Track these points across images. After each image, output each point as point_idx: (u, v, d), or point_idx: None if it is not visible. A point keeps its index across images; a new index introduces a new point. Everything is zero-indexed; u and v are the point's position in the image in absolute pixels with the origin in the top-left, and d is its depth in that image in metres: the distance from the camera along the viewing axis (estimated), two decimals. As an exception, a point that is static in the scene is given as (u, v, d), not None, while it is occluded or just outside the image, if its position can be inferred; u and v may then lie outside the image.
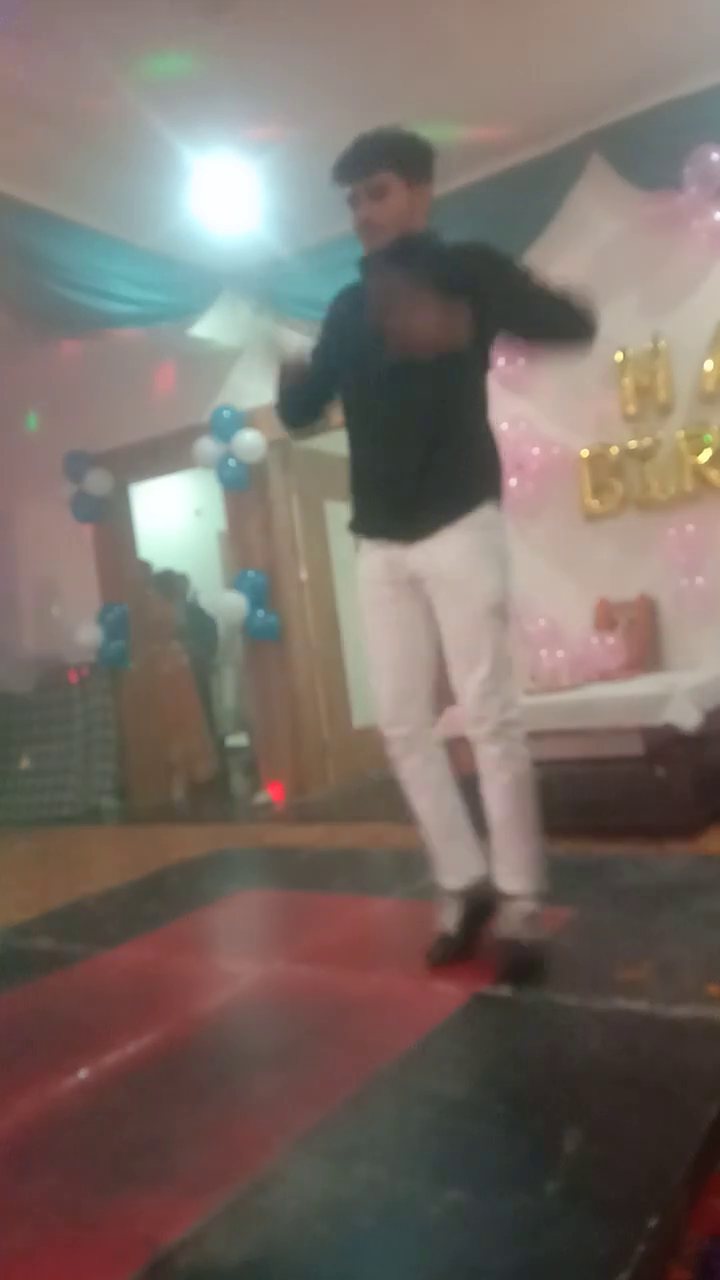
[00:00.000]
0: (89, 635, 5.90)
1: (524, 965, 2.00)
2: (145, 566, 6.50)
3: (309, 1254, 1.29)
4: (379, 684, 2.21)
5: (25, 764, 6.07)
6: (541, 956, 2.04)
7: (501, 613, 2.10)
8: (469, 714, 2.13)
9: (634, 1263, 1.15)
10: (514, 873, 2.13)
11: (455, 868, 2.23)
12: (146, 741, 6.10)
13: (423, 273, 1.98)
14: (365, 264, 2.17)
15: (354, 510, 2.25)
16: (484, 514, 2.10)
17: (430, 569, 2.09)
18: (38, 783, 5.99)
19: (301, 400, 2.32)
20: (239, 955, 2.06)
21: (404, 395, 2.06)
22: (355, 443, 2.21)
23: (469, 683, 2.10)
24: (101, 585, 6.12)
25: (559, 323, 2.09)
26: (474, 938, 2.17)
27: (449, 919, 2.20)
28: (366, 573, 2.20)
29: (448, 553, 2.06)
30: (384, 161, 2.01)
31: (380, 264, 2.10)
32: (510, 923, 2.08)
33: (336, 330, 2.25)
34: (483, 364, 2.14)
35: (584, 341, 2.09)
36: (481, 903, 2.19)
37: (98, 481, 5.89)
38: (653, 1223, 1.22)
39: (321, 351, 2.30)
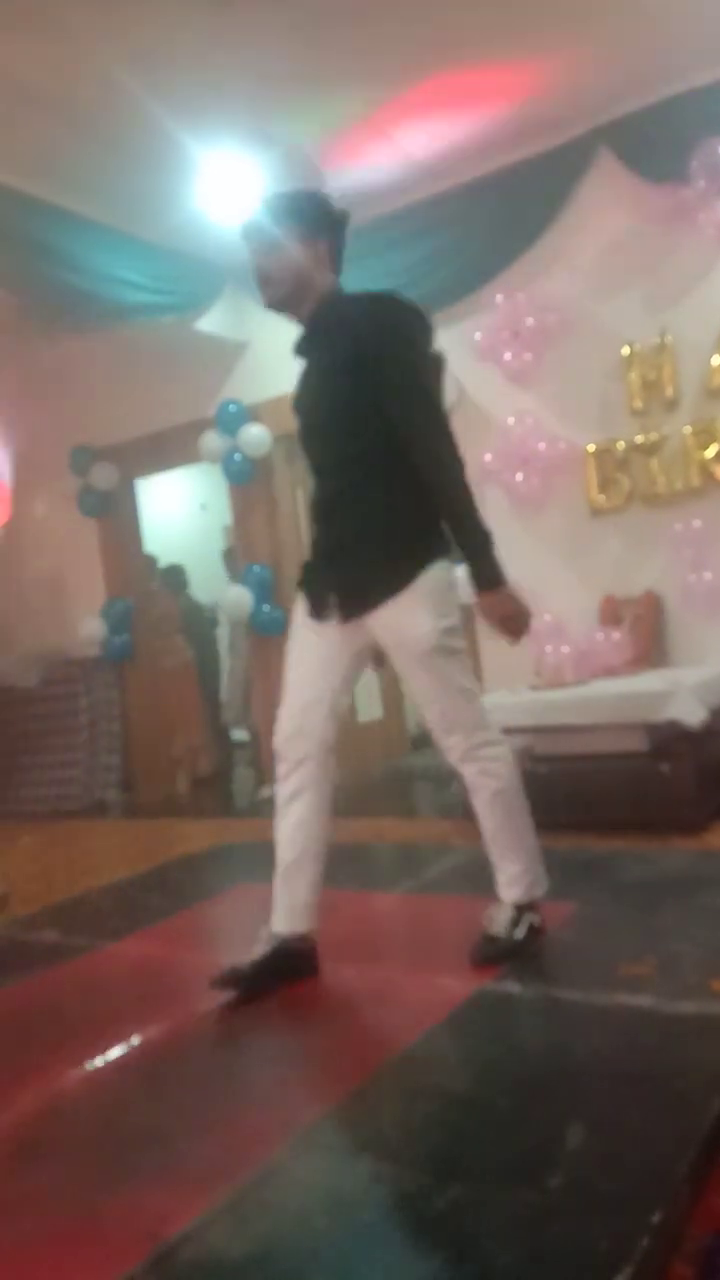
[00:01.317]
0: (93, 629, 5.91)
1: (492, 957, 2.09)
2: (151, 561, 6.51)
3: (312, 1247, 1.29)
4: (286, 702, 2.18)
5: (30, 757, 6.08)
6: (514, 954, 2.11)
7: (445, 650, 2.08)
8: (438, 747, 2.21)
9: (637, 1257, 1.15)
10: (507, 883, 2.19)
11: (284, 910, 2.14)
12: (150, 735, 6.10)
13: (333, 339, 2.08)
14: (298, 343, 2.21)
15: (302, 585, 2.24)
16: (419, 580, 2.07)
17: (369, 635, 2.14)
18: (42, 776, 6.00)
19: None
20: (242, 949, 2.06)
21: (335, 475, 2.12)
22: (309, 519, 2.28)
23: (428, 720, 2.17)
24: (107, 579, 6.12)
25: (427, 463, 2.07)
26: (268, 980, 2.07)
27: (255, 950, 2.11)
28: (301, 616, 2.21)
29: (382, 614, 2.08)
30: (278, 219, 2.08)
31: (303, 344, 2.18)
32: (495, 923, 2.16)
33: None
34: (389, 432, 2.06)
35: (451, 508, 2.07)
36: (295, 953, 2.13)
37: (103, 476, 5.89)
38: (656, 1218, 1.22)
39: None
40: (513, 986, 2.01)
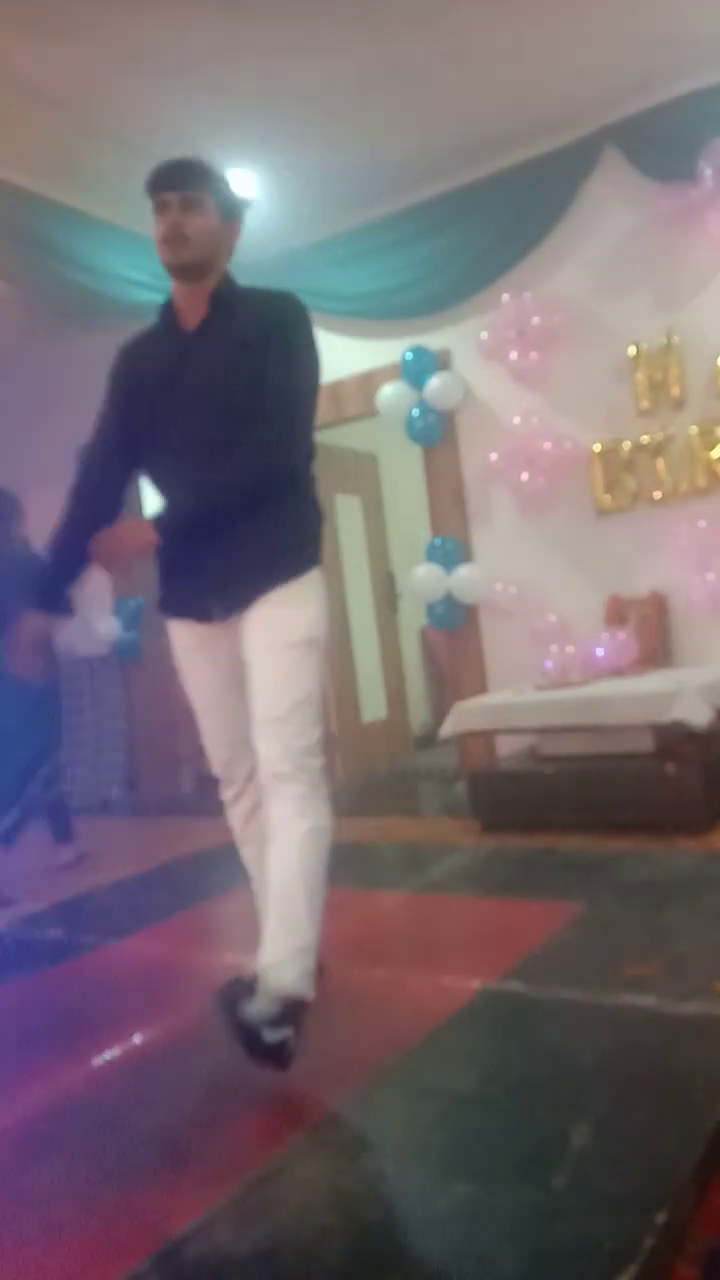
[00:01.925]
0: (109, 628, 5.91)
1: (258, 1055, 1.64)
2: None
3: (316, 1245, 1.29)
4: (211, 729, 2.08)
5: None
6: (276, 1056, 1.64)
7: (314, 646, 1.91)
8: (260, 751, 1.86)
9: (641, 1258, 1.16)
10: (277, 962, 1.70)
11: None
12: (155, 734, 6.11)
13: (239, 325, 1.93)
14: (170, 320, 2.01)
15: (162, 591, 2.07)
16: (308, 576, 1.96)
17: (241, 627, 1.95)
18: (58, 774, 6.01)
19: (92, 509, 2.06)
20: (247, 947, 2.06)
21: (222, 469, 1.89)
22: (166, 517, 1.94)
23: (267, 718, 1.85)
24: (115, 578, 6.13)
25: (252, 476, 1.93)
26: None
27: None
28: (176, 637, 2.08)
29: (264, 601, 1.92)
30: (206, 183, 1.92)
31: (202, 331, 1.96)
32: (257, 1005, 1.65)
33: (137, 391, 2.02)
34: None
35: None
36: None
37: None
38: (660, 1218, 1.22)
39: (118, 419, 2.06)
40: (517, 986, 2.01)
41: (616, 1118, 1.48)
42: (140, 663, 6.04)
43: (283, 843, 1.80)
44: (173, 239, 1.90)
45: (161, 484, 2.02)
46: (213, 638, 2.00)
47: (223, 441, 1.89)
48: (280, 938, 1.74)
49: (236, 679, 1.97)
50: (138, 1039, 1.99)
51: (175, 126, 3.75)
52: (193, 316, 1.97)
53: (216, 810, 1.98)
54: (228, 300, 1.97)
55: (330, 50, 3.54)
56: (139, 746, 6.09)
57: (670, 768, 3.46)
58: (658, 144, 4.08)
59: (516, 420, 4.48)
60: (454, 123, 4.12)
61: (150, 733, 6.10)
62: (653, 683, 3.67)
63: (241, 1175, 1.44)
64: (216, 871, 3.44)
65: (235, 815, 2.13)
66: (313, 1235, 1.31)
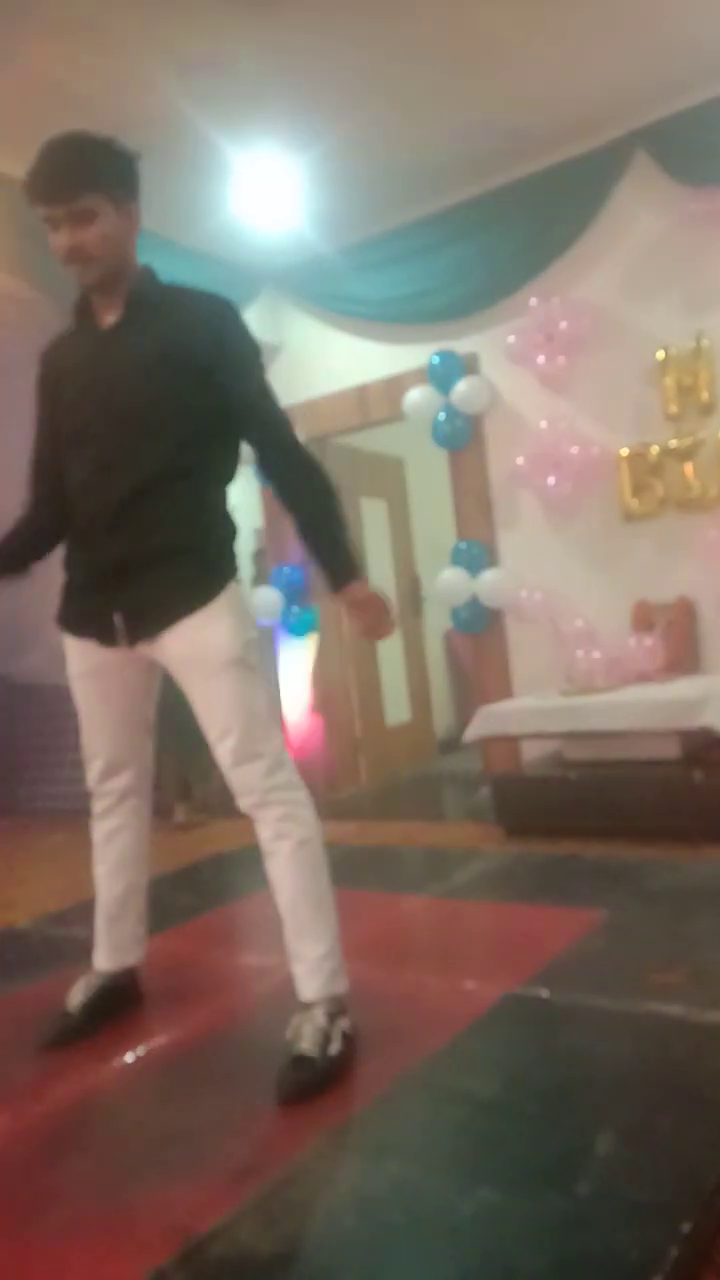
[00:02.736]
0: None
1: (307, 1089, 1.66)
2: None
3: (339, 1247, 1.29)
4: (92, 746, 2.07)
5: (62, 755, 6.14)
6: (331, 1080, 1.68)
7: (246, 665, 1.85)
8: (231, 786, 1.86)
9: (666, 1267, 1.15)
10: (308, 973, 1.80)
11: (111, 948, 2.12)
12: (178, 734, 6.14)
13: (162, 328, 1.82)
14: (85, 317, 1.90)
15: (63, 605, 2.00)
16: (225, 594, 1.88)
17: (157, 652, 1.89)
18: (74, 774, 6.04)
19: (34, 527, 2.00)
20: (271, 950, 2.07)
21: (134, 472, 1.81)
22: (75, 527, 1.91)
23: (220, 752, 1.84)
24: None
25: (313, 487, 1.90)
26: (99, 1021, 2.03)
27: (75, 997, 2.06)
28: (73, 646, 2.00)
29: (180, 629, 1.85)
30: (89, 182, 1.73)
31: (118, 331, 1.85)
32: (302, 1036, 1.73)
33: (57, 395, 1.92)
34: (214, 438, 1.89)
35: (327, 502, 1.89)
36: (120, 988, 2.11)
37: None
38: (686, 1227, 1.21)
39: (47, 426, 1.97)
40: (541, 992, 2.00)
41: (641, 1126, 1.47)
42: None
43: (275, 865, 1.85)
44: (76, 260, 1.77)
45: (75, 488, 1.89)
46: (112, 664, 1.94)
47: (134, 446, 1.80)
48: (301, 953, 1.82)
49: (127, 708, 2.01)
50: (162, 1038, 2.00)
51: (203, 132, 3.78)
52: (108, 314, 1.87)
53: (240, 813, 1.99)
54: (148, 299, 1.86)
55: (361, 56, 3.55)
56: (161, 750, 6.12)
57: (697, 775, 3.44)
58: (687, 148, 4.06)
59: (543, 424, 4.47)
60: (484, 127, 4.12)
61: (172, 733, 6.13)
62: (680, 689, 3.65)
63: (264, 1176, 1.45)
64: (241, 873, 3.45)
65: (99, 830, 2.13)
66: (335, 1238, 1.31)
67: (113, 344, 1.86)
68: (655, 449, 4.22)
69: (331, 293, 5.08)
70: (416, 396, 4.75)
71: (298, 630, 5.47)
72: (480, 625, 4.77)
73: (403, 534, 6.25)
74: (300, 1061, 1.69)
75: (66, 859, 4.42)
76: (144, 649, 1.90)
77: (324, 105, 3.83)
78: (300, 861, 1.82)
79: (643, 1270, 1.15)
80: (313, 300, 5.14)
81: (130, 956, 2.14)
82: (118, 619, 1.87)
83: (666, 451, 4.20)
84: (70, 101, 3.63)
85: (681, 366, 4.15)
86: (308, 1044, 1.71)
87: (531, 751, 4.37)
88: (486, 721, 3.96)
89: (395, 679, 6.02)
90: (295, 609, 5.43)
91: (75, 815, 5.92)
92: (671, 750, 3.56)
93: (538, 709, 3.85)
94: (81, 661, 2.00)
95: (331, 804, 5.00)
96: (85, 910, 3.14)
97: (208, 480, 1.90)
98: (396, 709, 5.98)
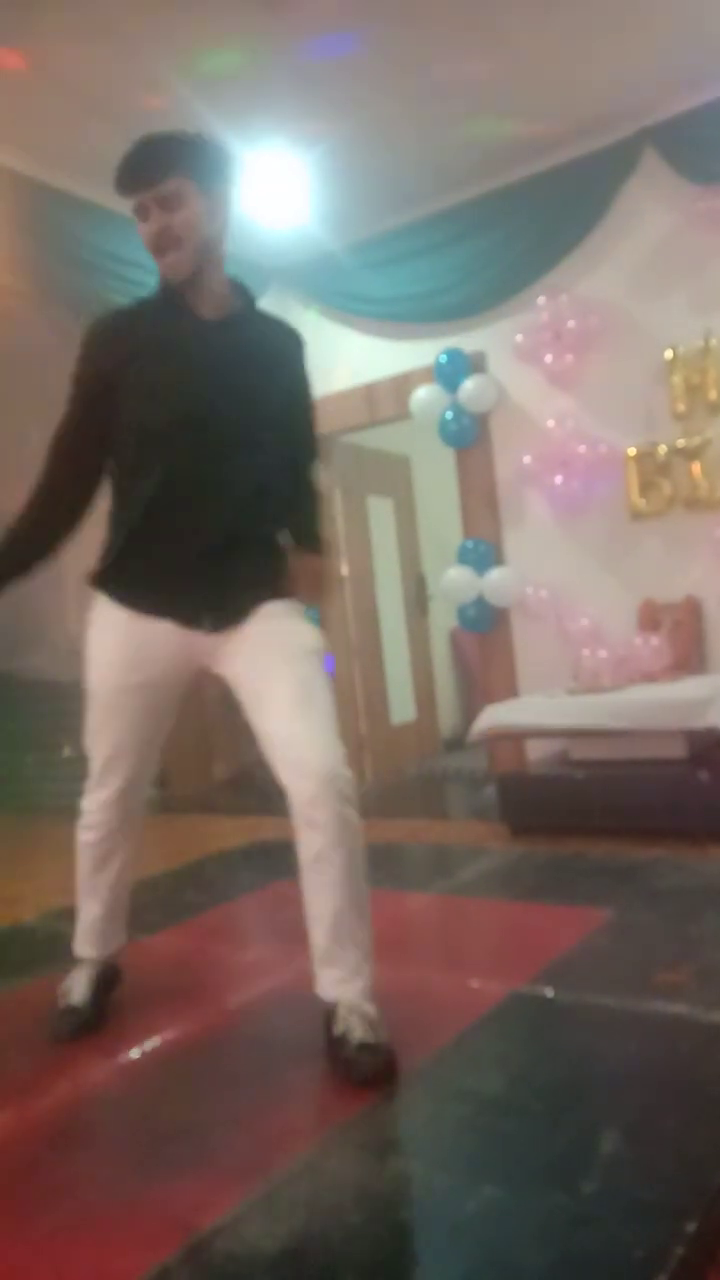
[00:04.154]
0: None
1: (388, 1069, 1.67)
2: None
3: (344, 1244, 1.29)
4: (114, 765, 2.00)
5: (67, 752, 6.15)
6: (395, 1058, 1.70)
7: (322, 659, 1.84)
8: (295, 782, 1.72)
9: (671, 1266, 1.15)
10: (352, 975, 1.75)
11: (103, 939, 2.12)
12: (185, 732, 6.15)
13: (267, 341, 1.88)
14: (177, 303, 1.83)
15: (131, 584, 1.88)
16: (288, 601, 1.90)
17: (233, 641, 1.84)
18: (79, 771, 6.06)
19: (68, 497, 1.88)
20: (276, 946, 2.08)
21: (254, 466, 1.82)
22: (159, 509, 1.81)
23: (297, 728, 1.72)
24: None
25: (307, 520, 2.01)
26: (103, 1009, 2.06)
27: (78, 990, 2.06)
28: (126, 649, 1.89)
29: (257, 618, 1.84)
30: (176, 167, 1.71)
31: (228, 325, 1.83)
32: (353, 1027, 1.71)
33: (137, 374, 1.80)
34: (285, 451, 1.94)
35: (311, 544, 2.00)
36: (112, 970, 2.14)
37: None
38: (691, 1226, 1.21)
39: (94, 407, 1.83)
40: (547, 991, 2.00)
41: (646, 1124, 1.47)
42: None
43: (325, 874, 1.73)
44: (165, 244, 1.73)
45: (161, 472, 1.80)
46: (171, 674, 1.90)
47: (256, 447, 1.82)
48: (342, 958, 1.75)
49: (165, 726, 1.98)
50: (167, 1034, 2.00)
51: (215, 129, 3.77)
52: (210, 306, 1.82)
53: (246, 810, 1.98)
54: (247, 312, 1.88)
55: (369, 53, 3.55)
56: (170, 745, 6.12)
57: (704, 774, 3.43)
58: (697, 146, 4.05)
59: (551, 423, 4.46)
60: (493, 125, 4.11)
61: (181, 731, 6.12)
62: (686, 688, 3.64)
63: (269, 1172, 1.45)
64: (247, 870, 3.46)
65: (97, 850, 2.09)
66: (340, 1234, 1.31)
67: (224, 335, 1.81)
68: (663, 448, 4.21)
69: (339, 290, 5.07)
70: (423, 395, 4.75)
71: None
72: (486, 624, 4.77)
73: (409, 532, 6.25)
74: (367, 1048, 1.67)
75: (72, 855, 4.43)
76: (219, 638, 1.84)
77: (332, 103, 3.83)
78: (353, 871, 1.74)
79: (647, 1269, 1.15)
80: (320, 298, 5.14)
81: (119, 938, 2.17)
82: (208, 603, 1.82)
83: (674, 450, 4.19)
84: (79, 100, 3.65)
85: (690, 365, 4.14)
86: (367, 1033, 1.69)
87: (537, 750, 4.36)
88: (492, 720, 3.95)
89: (400, 677, 6.02)
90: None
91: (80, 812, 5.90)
92: (678, 749, 3.56)
93: (544, 708, 3.85)
94: (136, 671, 1.89)
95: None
96: (91, 906, 3.16)
97: (284, 477, 1.95)
98: (402, 707, 5.98)
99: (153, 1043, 1.97)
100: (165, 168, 1.71)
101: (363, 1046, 1.67)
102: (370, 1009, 1.73)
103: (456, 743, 6.12)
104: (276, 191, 4.30)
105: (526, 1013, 1.94)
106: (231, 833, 4.30)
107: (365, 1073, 1.65)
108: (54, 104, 3.65)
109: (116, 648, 1.90)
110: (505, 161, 4.41)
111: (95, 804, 2.05)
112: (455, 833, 4.09)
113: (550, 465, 4.41)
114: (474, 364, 4.69)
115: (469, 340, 4.73)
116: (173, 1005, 2.15)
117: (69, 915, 3.08)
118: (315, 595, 1.97)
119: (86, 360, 1.83)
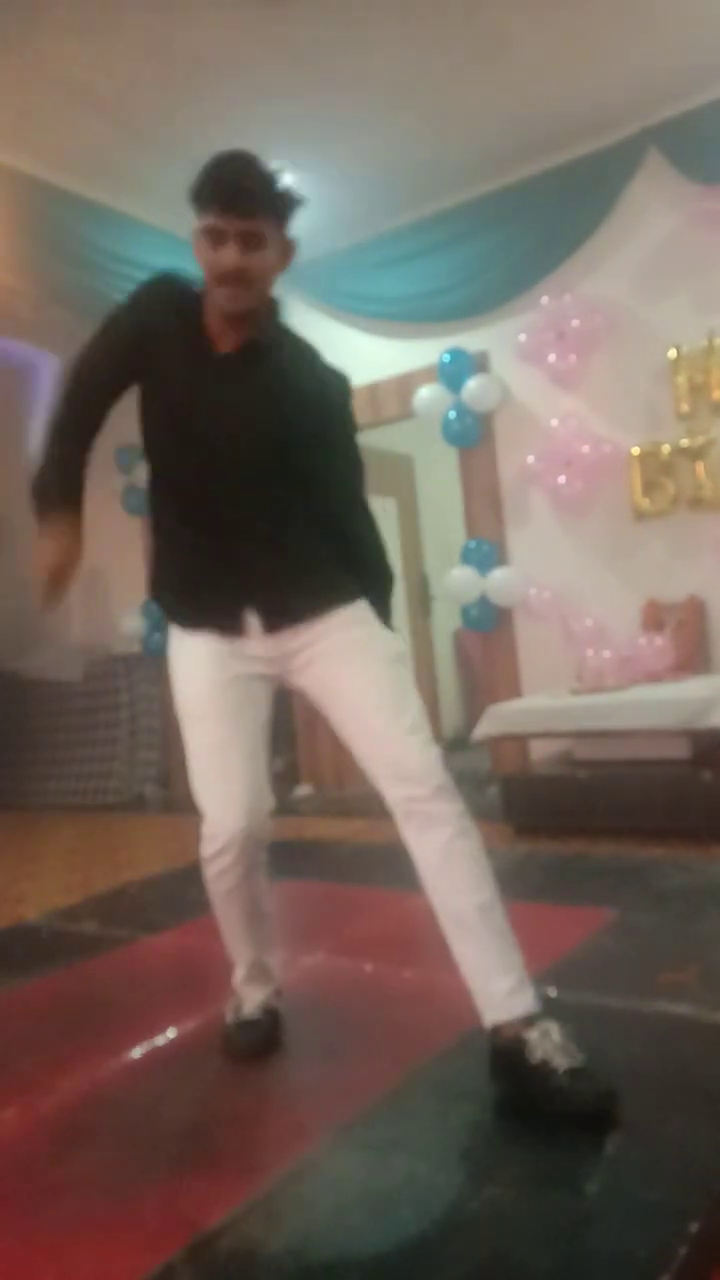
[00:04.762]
0: (133, 626, 5.98)
1: (611, 1097, 1.49)
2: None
3: (347, 1243, 1.30)
4: (227, 793, 1.78)
5: (71, 751, 6.16)
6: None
7: (405, 665, 1.80)
8: (396, 776, 1.66)
9: (675, 1267, 1.15)
10: (521, 983, 1.61)
11: (266, 972, 1.96)
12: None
13: (303, 367, 1.80)
14: (198, 327, 1.75)
15: (189, 602, 1.83)
16: (362, 601, 1.80)
17: (300, 651, 1.76)
18: (84, 769, 6.08)
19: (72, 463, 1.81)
20: (281, 945, 2.08)
21: (274, 503, 1.75)
22: (182, 523, 1.79)
23: (395, 731, 1.67)
24: (149, 575, 6.19)
25: (372, 544, 1.87)
26: (278, 1020, 1.92)
27: (250, 1003, 1.91)
28: (205, 657, 1.78)
29: (326, 624, 1.76)
30: (268, 206, 1.66)
31: (237, 359, 1.74)
32: (552, 1054, 1.52)
33: (165, 362, 1.74)
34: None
35: (381, 591, 1.85)
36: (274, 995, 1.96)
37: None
38: (695, 1227, 1.21)
39: (127, 361, 1.77)
40: (550, 991, 2.00)
41: (650, 1125, 1.47)
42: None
43: (461, 865, 1.63)
44: (238, 282, 1.65)
45: (190, 496, 1.78)
46: (242, 677, 1.78)
47: (277, 477, 1.75)
48: (507, 964, 1.61)
49: (262, 729, 1.80)
50: (172, 1033, 2.01)
51: (217, 128, 3.78)
52: (244, 335, 1.75)
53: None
54: (284, 339, 1.82)
55: (372, 52, 3.55)
56: (173, 743, 6.14)
57: (707, 775, 3.43)
58: (700, 146, 4.05)
59: (554, 422, 4.46)
60: (496, 125, 4.11)
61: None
62: (690, 689, 3.63)
63: (273, 1172, 1.45)
64: (249, 870, 3.46)
65: (232, 879, 1.83)
66: (344, 1234, 1.31)
67: (252, 366, 1.75)
68: (666, 447, 4.21)
69: (342, 290, 5.07)
70: (427, 394, 4.74)
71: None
72: (489, 624, 4.76)
73: (412, 532, 6.25)
74: (581, 1075, 1.50)
75: (76, 854, 4.44)
76: (279, 648, 1.75)
77: (334, 102, 3.83)
78: (486, 867, 1.63)
79: (651, 1270, 1.15)
80: (323, 297, 5.14)
81: (275, 957, 2.01)
82: (251, 611, 1.75)
83: (678, 450, 4.19)
84: (83, 99, 3.65)
85: (693, 365, 4.13)
86: (568, 1058, 1.52)
87: (540, 751, 4.36)
88: (495, 720, 3.95)
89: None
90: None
91: (84, 811, 5.97)
92: (681, 750, 3.56)
93: (547, 708, 3.85)
94: (214, 678, 1.77)
95: (340, 801, 5.01)
96: (94, 906, 3.17)
97: (343, 502, 1.85)
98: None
99: (156, 1042, 1.97)
100: (259, 204, 1.65)
101: (575, 1073, 1.49)
102: (559, 1035, 1.54)
103: (460, 743, 6.11)
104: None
105: (530, 1013, 1.93)
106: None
107: (589, 1105, 1.47)
108: (54, 104, 3.66)
109: (187, 659, 1.82)
110: (509, 161, 4.41)
111: (221, 841, 1.80)
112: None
113: (554, 465, 4.41)
114: (477, 363, 4.68)
115: (472, 340, 4.72)
116: (178, 1004, 2.15)
117: (72, 915, 3.09)
118: None
119: (133, 310, 1.78)
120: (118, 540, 6.21)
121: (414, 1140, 1.52)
